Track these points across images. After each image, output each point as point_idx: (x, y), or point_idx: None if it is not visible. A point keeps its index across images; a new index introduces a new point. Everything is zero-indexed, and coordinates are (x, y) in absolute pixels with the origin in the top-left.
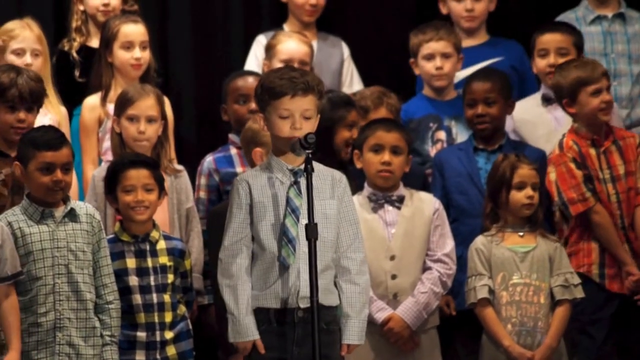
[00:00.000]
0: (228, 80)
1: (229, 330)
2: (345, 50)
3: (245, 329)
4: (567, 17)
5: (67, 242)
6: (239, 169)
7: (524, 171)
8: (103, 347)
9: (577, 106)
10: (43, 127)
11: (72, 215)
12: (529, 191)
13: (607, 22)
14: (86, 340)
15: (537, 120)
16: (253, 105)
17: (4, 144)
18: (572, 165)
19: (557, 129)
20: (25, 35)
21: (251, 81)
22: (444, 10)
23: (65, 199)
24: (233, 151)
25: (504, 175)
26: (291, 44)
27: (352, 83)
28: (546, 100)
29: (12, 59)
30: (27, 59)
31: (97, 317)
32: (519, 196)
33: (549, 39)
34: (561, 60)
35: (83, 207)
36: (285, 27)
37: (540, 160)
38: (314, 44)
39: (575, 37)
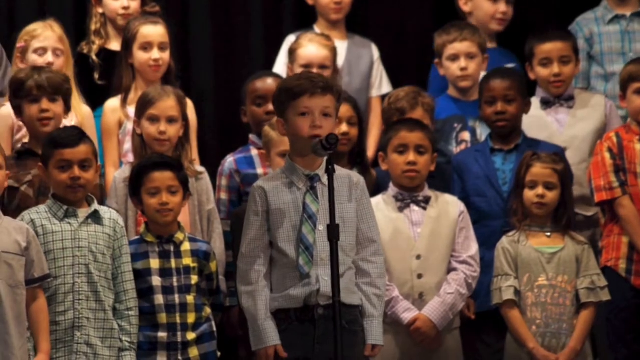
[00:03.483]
0: (247, 82)
1: (251, 338)
2: (375, 52)
3: (265, 335)
4: (586, 17)
5: (89, 242)
6: (259, 170)
7: (537, 170)
8: (122, 352)
9: (626, 101)
10: (65, 127)
11: (95, 218)
12: (539, 190)
13: (625, 21)
14: (103, 341)
15: (539, 123)
16: (270, 107)
17: (36, 143)
18: (606, 155)
19: (560, 130)
20: (47, 35)
21: (270, 83)
22: (465, 8)
23: (90, 201)
24: (254, 152)
25: (519, 174)
26: (310, 49)
27: (382, 85)
28: (545, 104)
29: (34, 58)
30: (49, 57)
31: (117, 322)
32: (530, 195)
33: (552, 48)
34: (564, 69)
35: (107, 212)
36: (316, 27)
37: None
38: (344, 45)
39: (573, 42)
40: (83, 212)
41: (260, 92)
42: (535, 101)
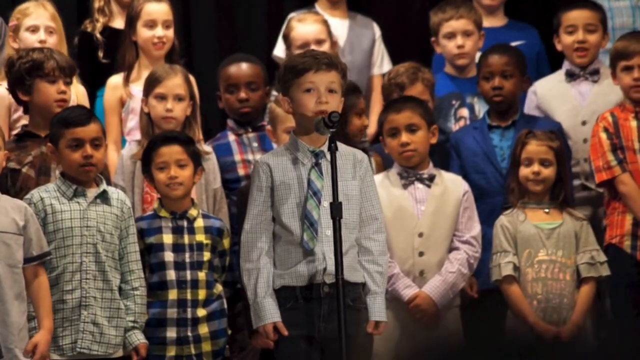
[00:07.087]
0: (221, 67)
1: (252, 316)
2: (377, 31)
3: (265, 312)
4: None
5: (97, 222)
6: (237, 157)
7: (532, 147)
8: (127, 331)
9: (616, 79)
10: (71, 107)
11: (104, 198)
12: (535, 167)
13: None
14: (110, 321)
15: (561, 96)
16: (242, 95)
17: (36, 125)
18: (602, 135)
19: (582, 103)
20: (39, 13)
21: (244, 68)
22: None
23: (99, 181)
24: (231, 137)
25: (515, 152)
26: (302, 29)
27: (383, 64)
28: (570, 76)
29: (26, 36)
30: (41, 35)
31: (123, 302)
32: (526, 172)
33: (578, 16)
34: (589, 37)
35: (115, 192)
36: (317, 6)
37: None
38: (345, 23)
39: (601, 14)
40: (92, 192)
41: (232, 79)
42: (561, 73)
